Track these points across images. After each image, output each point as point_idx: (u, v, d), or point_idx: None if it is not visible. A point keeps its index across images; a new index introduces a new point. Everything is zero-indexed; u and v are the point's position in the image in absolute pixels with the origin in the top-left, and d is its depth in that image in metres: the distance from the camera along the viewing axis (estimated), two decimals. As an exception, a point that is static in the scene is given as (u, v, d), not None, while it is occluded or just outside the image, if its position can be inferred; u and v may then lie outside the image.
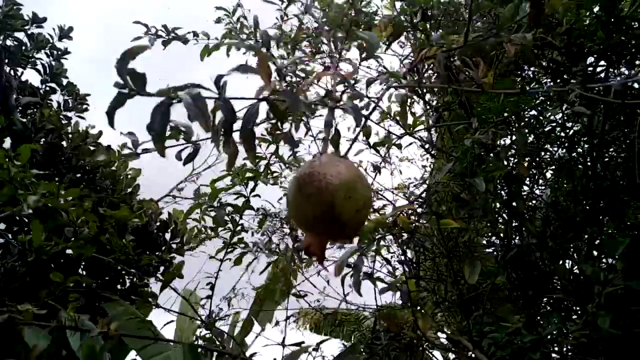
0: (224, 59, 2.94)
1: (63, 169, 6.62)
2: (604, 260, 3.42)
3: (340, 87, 1.55)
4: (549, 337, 2.04)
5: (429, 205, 2.45)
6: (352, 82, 1.73)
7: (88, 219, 2.12)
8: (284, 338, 3.68)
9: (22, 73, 6.62)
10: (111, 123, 0.94)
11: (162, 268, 7.69)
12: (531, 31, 2.10)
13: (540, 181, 3.84)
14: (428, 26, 2.40)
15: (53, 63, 6.79)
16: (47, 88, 6.87)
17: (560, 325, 2.02)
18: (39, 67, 6.74)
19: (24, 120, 6.63)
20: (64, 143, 6.60)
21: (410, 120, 2.39)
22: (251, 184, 2.60)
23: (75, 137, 6.65)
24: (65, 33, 6.77)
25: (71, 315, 2.40)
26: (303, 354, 2.91)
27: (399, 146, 2.57)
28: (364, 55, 1.83)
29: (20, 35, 6.48)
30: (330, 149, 1.50)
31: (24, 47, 6.55)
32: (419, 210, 2.59)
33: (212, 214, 2.63)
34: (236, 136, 1.18)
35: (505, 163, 2.61)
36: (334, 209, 1.16)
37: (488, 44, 1.76)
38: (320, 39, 2.33)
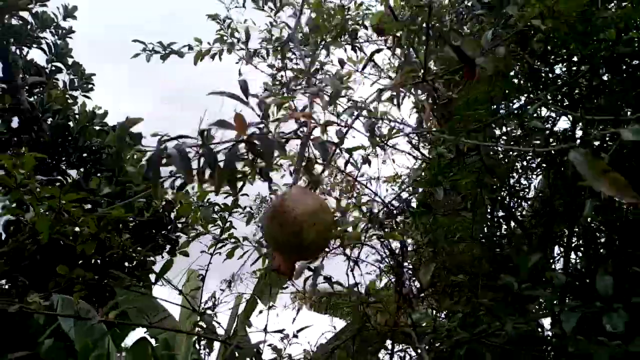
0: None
1: (70, 149, 6.95)
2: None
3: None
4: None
5: (407, 204, 2.70)
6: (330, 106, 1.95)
7: (87, 218, 2.41)
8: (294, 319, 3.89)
9: (27, 52, 6.88)
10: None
11: (168, 246, 8.07)
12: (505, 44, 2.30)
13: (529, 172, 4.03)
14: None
15: (58, 42, 7.03)
16: (53, 67, 7.13)
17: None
18: (44, 46, 6.99)
19: (31, 99, 6.94)
20: (71, 123, 6.91)
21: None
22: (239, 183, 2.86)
23: (82, 118, 6.95)
24: (69, 12, 7.00)
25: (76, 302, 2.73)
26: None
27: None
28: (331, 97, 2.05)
29: (25, 14, 6.70)
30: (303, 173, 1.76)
31: (29, 26, 6.79)
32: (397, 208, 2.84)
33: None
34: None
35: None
36: (301, 235, 1.46)
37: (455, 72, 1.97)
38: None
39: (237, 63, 3.26)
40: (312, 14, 2.94)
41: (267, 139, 1.49)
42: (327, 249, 2.07)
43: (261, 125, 1.57)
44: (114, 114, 7.85)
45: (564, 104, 3.33)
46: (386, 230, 2.78)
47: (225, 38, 3.19)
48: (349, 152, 2.27)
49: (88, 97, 7.46)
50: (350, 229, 2.55)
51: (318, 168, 1.71)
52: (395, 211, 2.59)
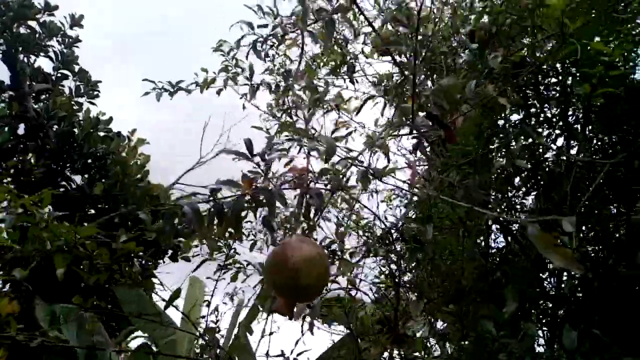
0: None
1: (75, 155, 7.16)
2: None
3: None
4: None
5: (402, 235, 2.89)
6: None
7: (101, 252, 2.60)
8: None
9: (34, 60, 7.08)
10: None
11: (170, 251, 8.25)
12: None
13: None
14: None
15: (65, 50, 7.22)
16: (59, 74, 7.33)
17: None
18: (51, 54, 7.19)
19: (37, 106, 7.14)
20: (76, 130, 7.10)
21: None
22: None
23: (86, 124, 7.15)
24: (76, 21, 7.19)
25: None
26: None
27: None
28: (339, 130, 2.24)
29: (33, 23, 6.90)
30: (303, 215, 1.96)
31: (37, 35, 6.99)
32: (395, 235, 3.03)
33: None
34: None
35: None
36: (299, 281, 1.66)
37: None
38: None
39: (240, 98, 3.46)
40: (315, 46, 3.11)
41: (270, 193, 1.68)
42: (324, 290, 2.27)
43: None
44: (119, 120, 8.04)
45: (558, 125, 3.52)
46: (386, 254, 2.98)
47: (230, 68, 3.38)
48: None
49: (94, 104, 7.65)
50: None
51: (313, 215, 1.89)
52: (392, 238, 2.78)
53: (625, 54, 2.70)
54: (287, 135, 4.06)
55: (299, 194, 1.86)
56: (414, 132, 2.02)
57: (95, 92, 7.70)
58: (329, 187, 1.98)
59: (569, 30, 2.16)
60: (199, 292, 6.32)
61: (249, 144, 1.75)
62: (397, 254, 3.16)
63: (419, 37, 3.39)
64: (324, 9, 2.26)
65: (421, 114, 2.18)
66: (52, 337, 2.72)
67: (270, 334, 3.34)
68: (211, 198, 1.61)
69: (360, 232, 3.61)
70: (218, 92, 3.33)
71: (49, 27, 7.02)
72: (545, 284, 4.30)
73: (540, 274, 4.22)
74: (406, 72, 3.10)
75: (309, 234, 2.01)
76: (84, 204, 7.35)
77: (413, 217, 2.57)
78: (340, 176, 1.96)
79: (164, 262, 8.32)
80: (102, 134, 7.51)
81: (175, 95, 3.36)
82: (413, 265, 3.39)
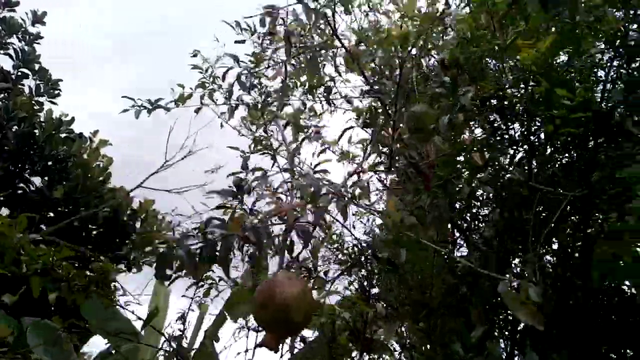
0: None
1: (35, 157, 7.01)
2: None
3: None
4: None
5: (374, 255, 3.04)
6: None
7: (79, 274, 2.64)
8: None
9: (-7, 58, 6.90)
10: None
11: (132, 256, 8.17)
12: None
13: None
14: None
15: (25, 48, 7.06)
16: (19, 73, 7.16)
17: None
18: (11, 52, 7.01)
19: (-5, 106, 6.96)
20: (37, 131, 6.96)
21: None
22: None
23: (48, 126, 7.02)
24: (38, 18, 7.04)
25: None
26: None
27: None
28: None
29: (-8, 19, 6.72)
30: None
31: (-4, 31, 6.81)
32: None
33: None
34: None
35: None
36: (288, 316, 1.77)
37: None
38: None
39: (219, 117, 3.53)
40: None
41: (258, 232, 1.79)
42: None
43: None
44: (81, 120, 7.90)
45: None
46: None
47: (207, 85, 3.44)
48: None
49: (55, 103, 7.51)
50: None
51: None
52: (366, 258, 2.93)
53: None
54: (260, 149, 4.16)
55: (285, 230, 1.97)
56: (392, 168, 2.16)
57: (56, 92, 7.56)
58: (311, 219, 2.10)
59: (537, 74, 2.35)
60: (163, 300, 6.30)
61: (237, 182, 1.85)
62: (369, 271, 3.31)
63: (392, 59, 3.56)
64: (308, 46, 2.37)
65: (398, 145, 2.33)
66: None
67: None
68: (200, 234, 1.69)
69: (334, 248, 3.74)
70: (196, 111, 3.39)
71: (9, 23, 6.85)
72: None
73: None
74: (380, 95, 3.26)
75: (294, 265, 2.12)
76: (43, 206, 7.21)
77: (385, 238, 2.70)
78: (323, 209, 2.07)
79: (124, 266, 8.21)
80: (64, 135, 7.38)
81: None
82: (382, 279, 3.55)
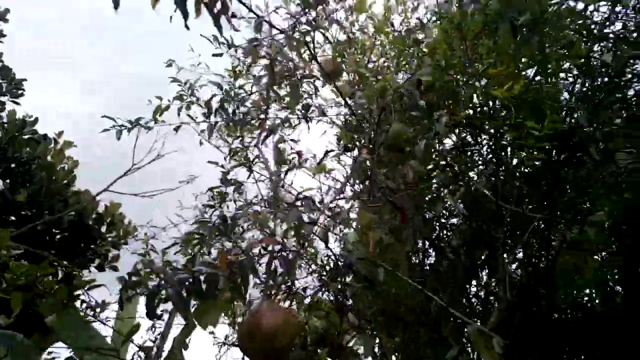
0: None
1: (-3, 160, 6.85)
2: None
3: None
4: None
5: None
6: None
7: (61, 290, 2.67)
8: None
9: (-48, 56, 6.72)
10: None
11: (97, 260, 8.09)
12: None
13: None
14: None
15: (-13, 46, 6.91)
16: (-20, 72, 7.00)
17: None
18: (-28, 50, 6.84)
19: (-46, 105, 6.78)
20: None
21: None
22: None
23: (11, 127, 6.87)
24: (0, 15, 6.90)
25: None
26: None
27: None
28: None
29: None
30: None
31: (-45, 28, 6.64)
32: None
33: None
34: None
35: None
36: (273, 344, 1.88)
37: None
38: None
39: (199, 135, 3.58)
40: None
41: (244, 267, 1.89)
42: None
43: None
44: (45, 120, 7.77)
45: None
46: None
47: (185, 97, 3.49)
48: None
49: (17, 104, 7.37)
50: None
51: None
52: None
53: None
54: (237, 160, 4.23)
55: (268, 260, 2.07)
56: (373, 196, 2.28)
57: (20, 92, 7.41)
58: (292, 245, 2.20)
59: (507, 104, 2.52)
60: (132, 308, 6.29)
61: (223, 219, 1.94)
62: (343, 283, 3.42)
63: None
64: (290, 75, 2.46)
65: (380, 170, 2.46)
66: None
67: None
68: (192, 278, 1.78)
69: (310, 259, 3.84)
70: (176, 130, 3.44)
71: (-31, 21, 6.69)
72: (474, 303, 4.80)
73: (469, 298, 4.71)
74: (357, 111, 3.38)
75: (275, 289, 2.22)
76: (6, 210, 7.07)
77: (361, 255, 2.82)
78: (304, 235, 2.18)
79: (89, 271, 8.13)
80: (27, 136, 7.24)
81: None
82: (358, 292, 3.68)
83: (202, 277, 1.80)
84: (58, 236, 7.72)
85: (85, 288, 2.86)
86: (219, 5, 1.52)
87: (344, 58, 4.24)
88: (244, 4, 1.74)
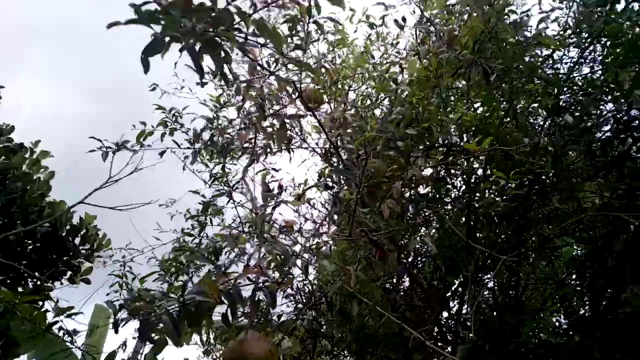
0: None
1: (-29, 170, 6.84)
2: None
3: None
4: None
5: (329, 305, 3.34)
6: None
7: (40, 316, 2.77)
8: None
9: None
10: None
11: (69, 273, 8.09)
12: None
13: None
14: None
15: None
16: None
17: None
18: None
19: None
20: (-27, 141, 6.80)
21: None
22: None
23: (-15, 137, 6.88)
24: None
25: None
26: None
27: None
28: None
29: None
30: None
31: None
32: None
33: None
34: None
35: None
36: None
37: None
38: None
39: (182, 161, 3.73)
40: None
41: (232, 297, 2.04)
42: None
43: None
44: (21, 128, 7.79)
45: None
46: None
47: (168, 124, 3.64)
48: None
49: (-6, 112, 7.38)
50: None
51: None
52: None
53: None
54: (217, 184, 4.38)
55: (253, 290, 2.22)
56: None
57: (-3, 99, 7.42)
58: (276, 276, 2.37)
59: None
60: (102, 323, 6.31)
61: (216, 251, 2.10)
62: (318, 310, 3.60)
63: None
64: (279, 114, 2.65)
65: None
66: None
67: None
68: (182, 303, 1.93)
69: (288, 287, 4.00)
70: (161, 154, 3.58)
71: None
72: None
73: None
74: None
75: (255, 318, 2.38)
76: (-23, 221, 7.05)
77: (336, 289, 2.99)
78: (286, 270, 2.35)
79: (61, 283, 8.12)
80: (2, 145, 7.25)
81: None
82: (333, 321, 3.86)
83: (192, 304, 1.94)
84: (30, 247, 7.71)
85: (64, 315, 2.95)
86: (222, 54, 1.67)
87: (325, 87, 4.44)
88: (243, 50, 1.88)
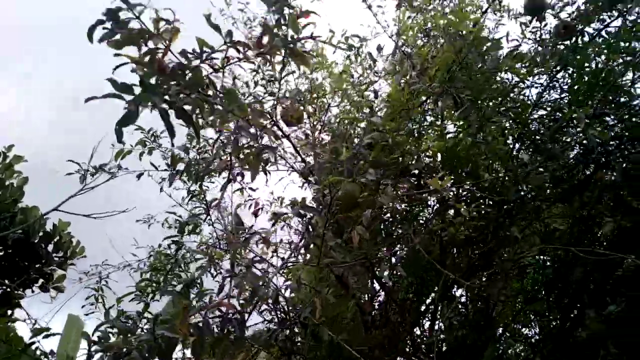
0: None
1: (-59, 176, 6.81)
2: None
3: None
4: None
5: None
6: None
7: (16, 340, 2.84)
8: None
9: None
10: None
11: (41, 280, 8.08)
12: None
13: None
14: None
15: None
16: None
17: None
18: None
19: None
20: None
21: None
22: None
23: (-42, 142, 6.86)
24: (-44, 27, 6.91)
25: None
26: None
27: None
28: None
29: None
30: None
31: None
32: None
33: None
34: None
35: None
36: None
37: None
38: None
39: (159, 184, 3.82)
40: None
41: (201, 330, 2.16)
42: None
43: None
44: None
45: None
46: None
47: (147, 144, 3.73)
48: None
49: (-33, 117, 7.35)
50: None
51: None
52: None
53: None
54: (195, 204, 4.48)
55: (222, 322, 2.35)
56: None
57: (-30, 104, 7.39)
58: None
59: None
60: (76, 333, 6.33)
61: (201, 275, 2.22)
62: (292, 330, 3.73)
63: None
64: (253, 146, 2.75)
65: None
66: None
67: None
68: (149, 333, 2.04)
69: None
70: (138, 177, 3.67)
71: None
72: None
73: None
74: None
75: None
76: (-53, 227, 7.02)
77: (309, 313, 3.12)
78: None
79: (33, 291, 8.12)
80: (-26, 151, 7.23)
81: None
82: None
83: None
84: (1, 253, 7.68)
85: (42, 336, 3.02)
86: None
87: (304, 104, 4.58)
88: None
